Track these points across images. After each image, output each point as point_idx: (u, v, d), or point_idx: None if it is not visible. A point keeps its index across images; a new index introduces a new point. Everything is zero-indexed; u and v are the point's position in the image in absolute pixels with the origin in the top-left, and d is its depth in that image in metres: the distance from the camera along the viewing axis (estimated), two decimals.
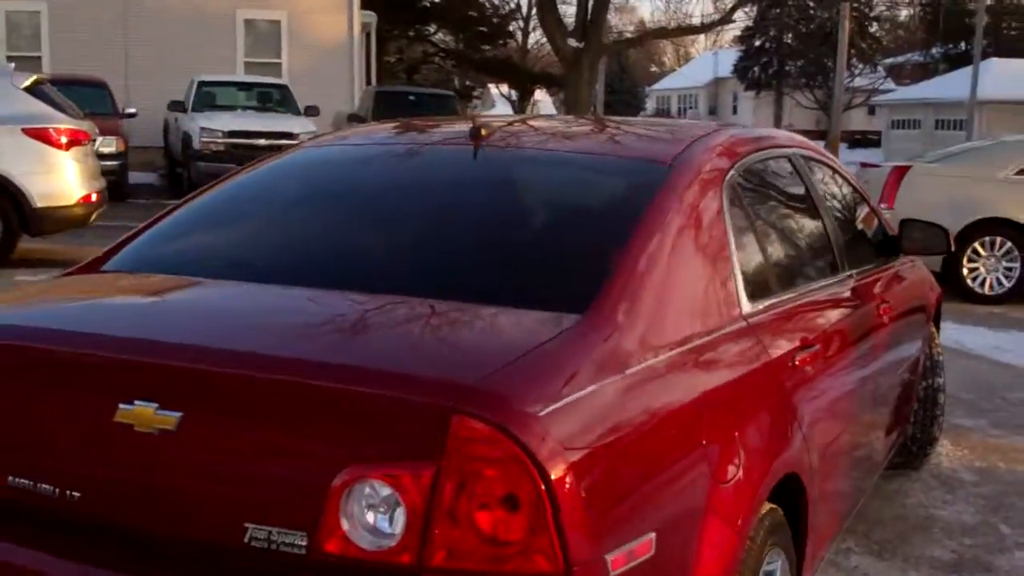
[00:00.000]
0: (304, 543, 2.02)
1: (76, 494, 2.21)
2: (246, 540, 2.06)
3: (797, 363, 2.94)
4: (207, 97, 17.90)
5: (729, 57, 62.78)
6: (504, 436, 1.93)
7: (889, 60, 58.62)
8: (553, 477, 1.94)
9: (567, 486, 1.95)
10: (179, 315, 2.61)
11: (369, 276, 2.72)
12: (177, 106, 17.61)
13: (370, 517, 1.99)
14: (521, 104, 41.07)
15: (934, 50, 55.14)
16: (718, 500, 2.36)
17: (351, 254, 2.89)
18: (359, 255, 2.88)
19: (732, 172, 3.07)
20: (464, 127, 3.23)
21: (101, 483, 2.22)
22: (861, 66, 52.53)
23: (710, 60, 68.58)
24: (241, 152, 15.26)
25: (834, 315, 3.47)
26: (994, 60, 40.46)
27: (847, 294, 3.65)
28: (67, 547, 2.22)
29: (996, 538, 4.33)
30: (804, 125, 52.49)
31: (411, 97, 20.04)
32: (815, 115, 55.62)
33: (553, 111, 49.86)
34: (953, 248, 4.58)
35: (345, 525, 2.00)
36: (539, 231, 2.94)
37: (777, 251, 3.28)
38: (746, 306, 2.83)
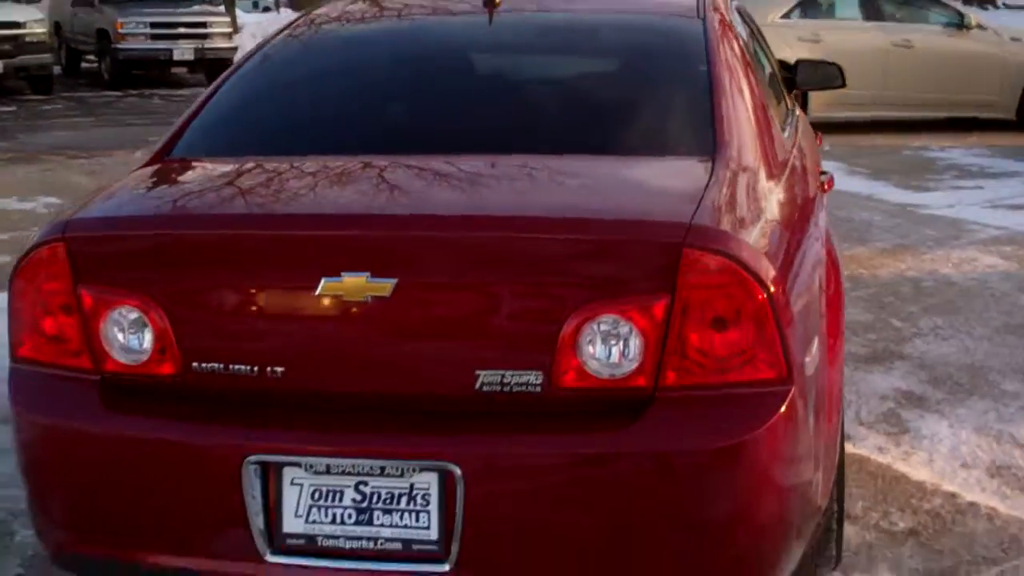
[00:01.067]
0: (539, 381, 2.16)
1: (279, 370, 2.24)
2: (478, 386, 2.19)
3: (823, 186, 3.29)
4: None
5: None
6: (731, 262, 2.14)
7: None
8: (773, 294, 2.16)
9: (781, 302, 2.18)
10: (352, 188, 2.58)
11: (497, 139, 2.79)
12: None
13: (605, 349, 2.15)
14: None
15: None
16: (832, 306, 2.69)
17: (467, 119, 2.92)
18: (478, 119, 2.92)
19: (731, 17, 3.34)
20: None
21: (309, 355, 2.25)
22: None
23: None
24: None
25: (806, 144, 3.83)
26: None
27: (802, 126, 4.01)
28: (280, 420, 2.27)
29: (894, 331, 4.94)
30: None
31: None
32: None
33: None
34: (846, 84, 5.01)
35: (580, 359, 2.16)
36: (632, 86, 3.08)
37: (766, 88, 3.58)
38: (785, 134, 3.12)
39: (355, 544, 2.22)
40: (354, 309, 2.19)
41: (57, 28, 19.63)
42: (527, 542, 2.19)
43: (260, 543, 2.24)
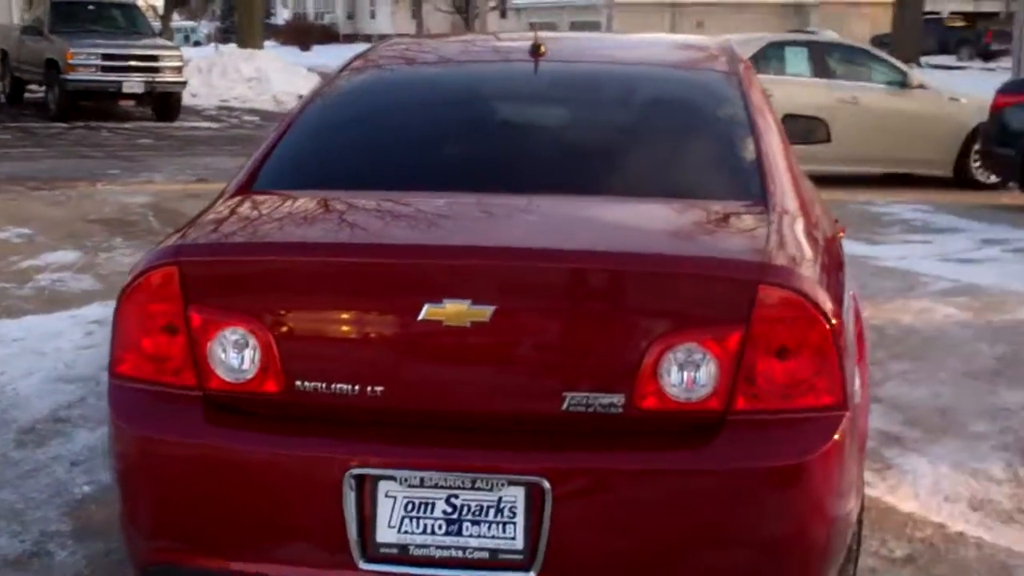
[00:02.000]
0: (622, 403, 2.37)
1: (379, 389, 2.41)
2: (564, 407, 2.38)
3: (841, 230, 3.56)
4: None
5: None
6: (803, 299, 2.38)
7: None
8: (835, 329, 2.40)
9: (841, 336, 2.43)
10: (448, 222, 2.78)
11: (575, 181, 3.00)
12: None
13: (684, 375, 2.37)
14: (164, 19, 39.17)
15: None
16: (860, 341, 2.93)
17: (547, 163, 3.14)
18: (556, 163, 3.14)
19: (750, 73, 3.62)
20: (525, 42, 3.53)
21: (408, 375, 2.43)
22: None
23: None
24: None
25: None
26: None
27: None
28: (378, 436, 2.44)
29: None
30: (441, 29, 53.62)
31: (91, 7, 18.97)
32: (451, 19, 56.88)
33: None
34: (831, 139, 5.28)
35: (660, 384, 2.37)
36: (687, 136, 3.31)
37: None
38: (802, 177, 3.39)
39: (444, 553, 2.38)
40: (454, 333, 2.37)
41: (3, 56, 19.55)
42: (607, 552, 2.39)
43: (355, 552, 2.39)
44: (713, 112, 3.39)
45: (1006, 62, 25.93)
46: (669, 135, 3.34)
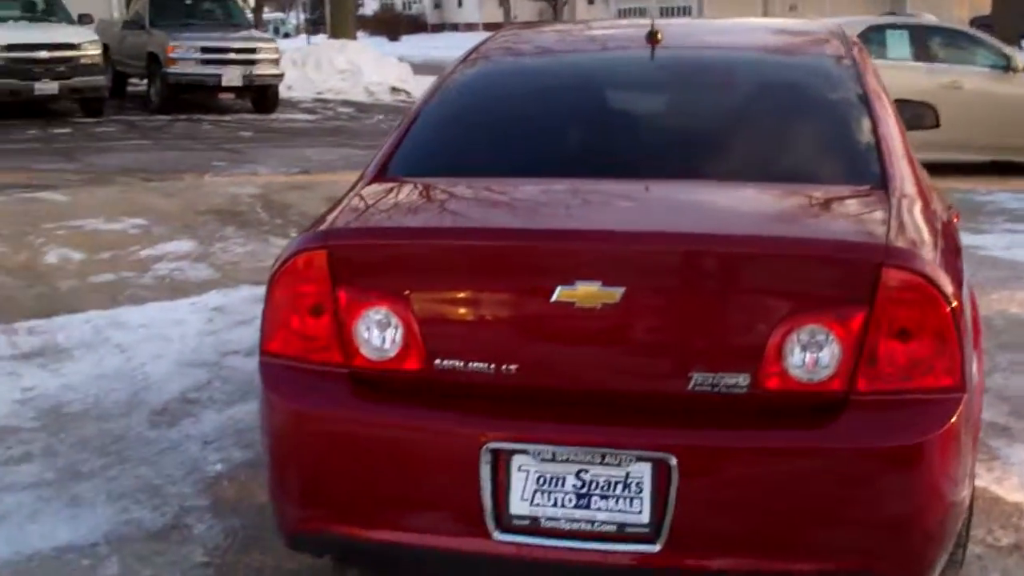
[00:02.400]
0: (746, 383, 2.47)
1: (513, 367, 2.54)
2: (690, 387, 2.49)
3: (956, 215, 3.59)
4: None
5: None
6: (925, 282, 2.45)
7: None
8: (956, 312, 2.48)
9: (961, 318, 2.50)
10: (578, 206, 2.91)
11: (693, 167, 3.11)
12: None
13: (807, 355, 2.46)
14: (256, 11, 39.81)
15: None
16: (975, 325, 2.98)
17: (665, 149, 3.25)
18: (675, 149, 3.25)
19: (865, 56, 3.68)
20: (637, 29, 3.63)
21: (541, 354, 2.56)
22: None
23: None
24: (21, 66, 15.42)
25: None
26: None
27: None
28: (512, 412, 2.56)
29: None
30: (528, 16, 53.75)
31: (189, 1, 19.39)
32: (539, 6, 56.95)
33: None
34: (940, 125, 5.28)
35: (784, 364, 2.46)
36: (806, 121, 3.39)
37: None
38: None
39: (573, 526, 2.50)
40: (585, 314, 2.49)
41: (104, 50, 20.07)
42: (730, 528, 2.48)
43: (489, 523, 2.52)
44: (831, 96, 3.45)
45: None
46: (788, 120, 3.40)
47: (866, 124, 3.14)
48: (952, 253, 2.81)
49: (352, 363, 2.63)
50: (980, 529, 3.64)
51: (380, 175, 3.19)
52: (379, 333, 2.60)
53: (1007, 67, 12.02)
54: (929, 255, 2.56)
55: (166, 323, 5.84)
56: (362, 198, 3.00)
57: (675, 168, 3.09)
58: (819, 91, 3.52)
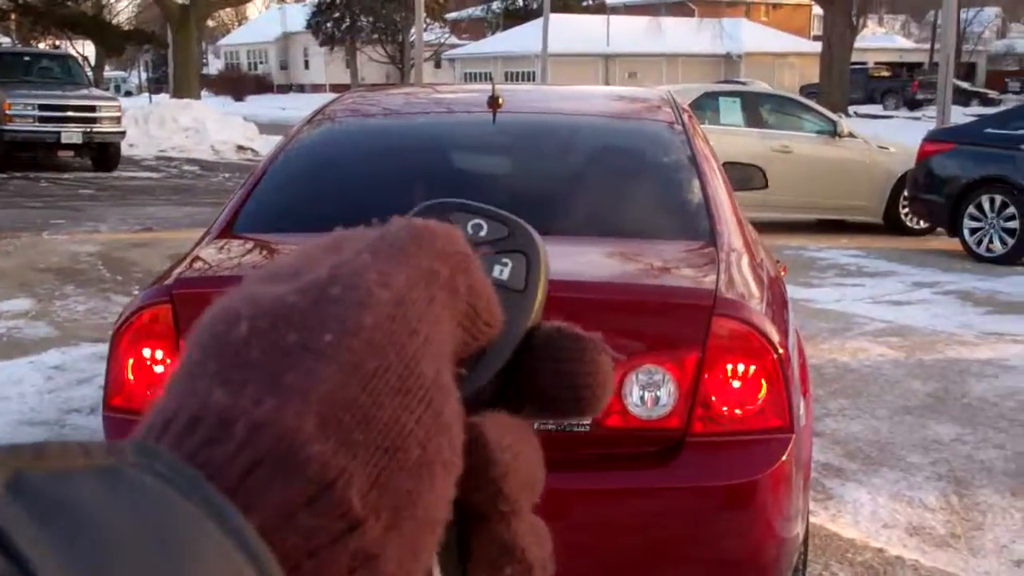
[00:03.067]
0: (588, 422, 2.57)
1: None
2: (534, 427, 2.56)
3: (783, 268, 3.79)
4: None
5: (298, 11, 63.13)
6: (752, 330, 2.60)
7: (451, 15, 61.49)
8: (782, 358, 2.63)
9: (787, 365, 2.65)
10: None
11: (539, 222, 3.19)
12: None
13: (646, 394, 2.58)
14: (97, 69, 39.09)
15: (495, 5, 58.57)
16: (803, 371, 3.15)
17: (512, 206, 3.34)
18: (519, 205, 3.34)
19: (693, 121, 3.88)
20: (481, 93, 3.75)
21: None
22: (429, 21, 54.73)
23: (277, 15, 68.55)
24: None
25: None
26: (552, 16, 43.88)
27: None
28: None
29: None
30: (375, 79, 54.12)
31: (27, 58, 18.95)
32: (386, 69, 57.41)
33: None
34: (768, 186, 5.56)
35: (624, 403, 2.57)
36: (642, 182, 3.56)
37: None
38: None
39: None
40: None
41: None
42: (571, 567, 2.55)
43: None
44: (663, 159, 3.63)
45: (931, 111, 26.79)
46: (623, 180, 3.58)
47: (695, 184, 3.32)
48: (779, 303, 2.97)
49: None
50: (817, 565, 3.82)
51: (225, 231, 3.20)
52: None
53: (833, 132, 12.70)
54: (756, 305, 2.71)
55: (4, 382, 5.67)
56: (208, 252, 3.02)
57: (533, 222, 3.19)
58: (652, 154, 3.70)
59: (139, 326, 2.67)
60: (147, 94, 41.98)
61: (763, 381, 2.61)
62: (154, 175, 18.25)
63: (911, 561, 3.91)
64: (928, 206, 11.19)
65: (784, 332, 2.76)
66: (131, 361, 2.68)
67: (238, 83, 59.99)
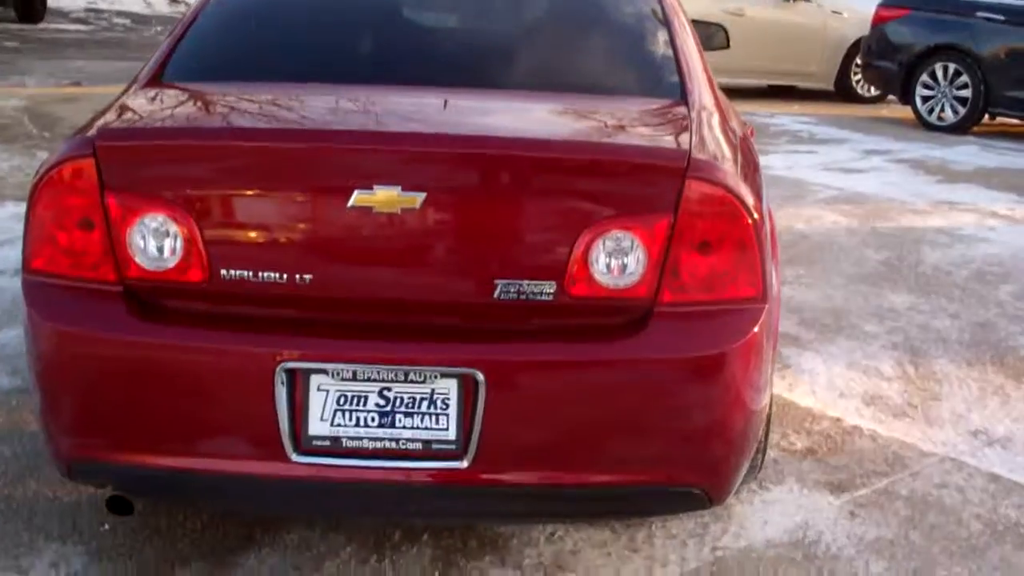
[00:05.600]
0: (552, 290, 2.39)
1: (308, 277, 2.37)
2: (495, 295, 2.38)
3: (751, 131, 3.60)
4: None
5: None
6: (728, 194, 2.42)
7: None
8: (757, 224, 2.45)
9: (762, 231, 2.48)
10: (374, 110, 2.72)
11: (498, 76, 2.99)
12: None
13: (613, 262, 2.39)
14: None
15: None
16: (773, 236, 2.99)
17: (470, 57, 3.09)
18: (476, 56, 3.10)
19: None
20: None
21: (338, 263, 2.40)
22: None
23: None
24: None
25: None
26: None
27: None
28: (309, 330, 2.40)
29: None
30: None
31: None
32: None
33: None
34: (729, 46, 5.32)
35: (590, 271, 2.39)
36: (609, 37, 3.31)
37: None
38: None
39: (376, 444, 2.38)
40: (384, 220, 2.34)
41: None
42: (538, 441, 2.41)
43: (287, 444, 2.37)
44: (632, 11, 3.40)
45: None
46: (590, 33, 3.33)
47: (664, 39, 3.11)
48: (751, 167, 2.79)
49: (127, 275, 2.41)
50: (775, 434, 3.73)
51: (154, 80, 2.93)
52: (155, 242, 2.38)
53: None
54: (730, 168, 2.53)
55: None
56: (134, 101, 2.75)
57: (477, 77, 2.97)
58: (619, 5, 3.47)
59: (59, 181, 2.42)
60: None
61: (737, 249, 2.44)
62: (83, 27, 17.49)
63: (869, 431, 3.84)
64: (881, 73, 11.02)
65: (758, 196, 2.58)
66: (51, 220, 2.44)
67: None
